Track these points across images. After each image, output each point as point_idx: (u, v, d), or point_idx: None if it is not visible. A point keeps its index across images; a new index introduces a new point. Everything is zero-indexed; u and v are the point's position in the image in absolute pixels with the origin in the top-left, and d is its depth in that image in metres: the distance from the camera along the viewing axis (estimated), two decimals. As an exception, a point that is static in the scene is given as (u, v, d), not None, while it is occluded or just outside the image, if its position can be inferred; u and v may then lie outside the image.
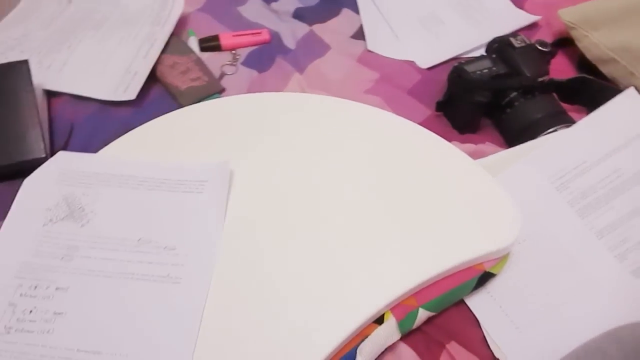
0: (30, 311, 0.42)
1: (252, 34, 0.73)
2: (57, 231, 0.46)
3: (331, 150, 0.52)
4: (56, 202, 0.48)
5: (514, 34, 0.64)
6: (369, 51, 0.72)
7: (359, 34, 0.75)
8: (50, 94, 0.64)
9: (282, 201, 0.48)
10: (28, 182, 0.49)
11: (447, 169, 0.51)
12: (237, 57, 0.71)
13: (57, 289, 0.43)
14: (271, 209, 0.48)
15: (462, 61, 0.61)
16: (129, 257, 0.45)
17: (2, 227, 0.46)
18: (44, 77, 0.64)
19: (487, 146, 0.60)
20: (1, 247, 0.45)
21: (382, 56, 0.72)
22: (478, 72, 0.61)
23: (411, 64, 0.70)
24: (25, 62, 0.60)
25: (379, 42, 0.73)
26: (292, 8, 0.78)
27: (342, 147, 0.53)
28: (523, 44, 0.61)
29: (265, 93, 0.59)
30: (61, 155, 0.51)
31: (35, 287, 0.43)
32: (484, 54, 0.65)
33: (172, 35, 0.70)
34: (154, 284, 0.43)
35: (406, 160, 0.52)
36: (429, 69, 0.70)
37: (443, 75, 0.64)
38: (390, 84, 0.68)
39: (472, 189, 0.49)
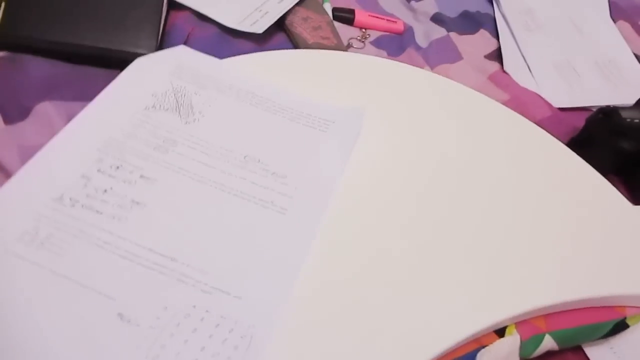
0: (105, 190, 0.35)
1: (387, 20, 0.69)
2: (157, 119, 0.40)
3: (465, 146, 0.46)
4: (164, 91, 0.42)
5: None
6: (504, 72, 0.67)
7: (494, 56, 0.70)
8: (173, 5, 0.60)
9: (406, 183, 0.41)
10: (140, 61, 0.43)
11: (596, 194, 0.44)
12: (367, 36, 0.66)
13: (142, 176, 0.36)
14: (389, 187, 0.41)
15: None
16: (231, 170, 0.38)
17: (99, 96, 0.40)
18: (173, -12, 0.60)
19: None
20: (91, 113, 0.39)
21: (514, 81, 0.66)
22: (628, 120, 0.55)
23: (543, 98, 0.65)
24: (166, -38, 0.56)
25: (514, 68, 0.68)
26: (431, 11, 0.74)
27: (478, 145, 0.46)
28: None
29: (402, 63, 0.53)
30: (183, 48, 0.46)
31: (118, 168, 0.36)
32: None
33: (309, -7, 0.66)
34: (253, 205, 0.36)
35: (552, 176, 0.45)
36: (562, 109, 0.64)
37: (575, 119, 0.59)
38: (519, 109, 0.62)
39: (624, 221, 0.42)
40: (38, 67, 0.47)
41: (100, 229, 0.33)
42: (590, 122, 0.58)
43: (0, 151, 0.39)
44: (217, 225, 0.34)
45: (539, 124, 0.61)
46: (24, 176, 0.35)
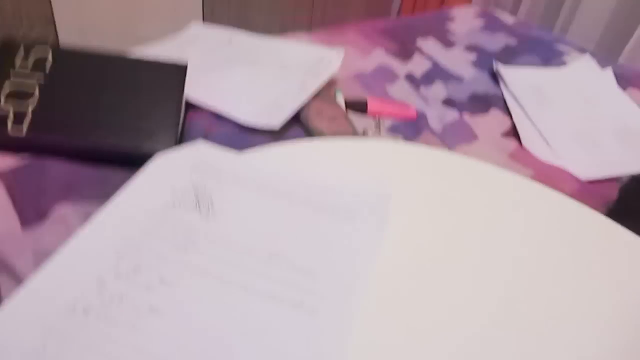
0: (121, 296, 0.33)
1: (400, 107, 0.70)
2: (177, 217, 0.39)
3: (499, 223, 0.44)
4: (184, 187, 0.41)
5: None
6: (523, 148, 0.66)
7: (510, 134, 0.70)
8: (190, 105, 0.61)
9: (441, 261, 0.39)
10: (160, 157, 0.43)
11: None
12: (382, 124, 0.67)
13: (160, 280, 0.34)
14: (425, 264, 0.38)
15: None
16: (255, 269, 0.35)
17: (118, 194, 0.40)
18: (191, 91, 0.62)
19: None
20: (110, 214, 0.38)
21: (536, 157, 0.65)
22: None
23: (568, 171, 0.63)
24: (184, 65, 0.59)
25: (533, 143, 0.68)
26: (441, 95, 0.75)
27: (513, 221, 0.44)
28: None
29: (420, 145, 0.53)
30: (202, 144, 0.46)
31: (135, 271, 0.34)
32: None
33: (322, 88, 0.67)
34: (282, 308, 0.33)
35: (597, 249, 0.42)
36: (590, 180, 0.62)
37: (605, 190, 0.58)
38: (546, 183, 0.61)
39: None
40: (58, 169, 0.47)
41: (114, 342, 0.30)
42: (625, 191, 0.56)
43: (15, 257, 0.37)
44: (243, 333, 0.31)
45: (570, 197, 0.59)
46: (35, 285, 0.33)
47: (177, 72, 0.58)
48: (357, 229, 0.39)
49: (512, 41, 0.95)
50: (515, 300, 0.38)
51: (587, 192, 0.61)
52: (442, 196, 0.46)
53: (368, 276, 0.36)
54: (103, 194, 0.45)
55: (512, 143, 0.68)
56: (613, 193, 0.61)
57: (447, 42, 0.91)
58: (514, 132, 0.70)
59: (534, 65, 0.87)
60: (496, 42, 0.94)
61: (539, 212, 0.47)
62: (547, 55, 0.91)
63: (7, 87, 0.51)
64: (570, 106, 0.78)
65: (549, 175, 0.62)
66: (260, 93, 0.64)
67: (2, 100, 0.50)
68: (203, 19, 1.59)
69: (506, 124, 0.72)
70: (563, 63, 0.89)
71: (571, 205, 0.49)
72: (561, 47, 0.94)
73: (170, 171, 0.42)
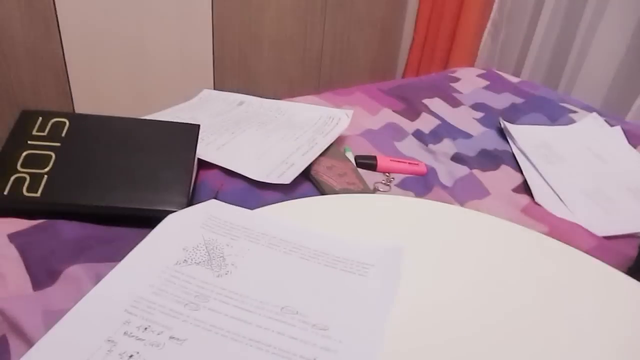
0: (131, 356, 0.32)
1: (409, 163, 0.70)
2: (188, 274, 0.38)
3: (515, 281, 0.43)
4: (196, 245, 0.41)
5: None
6: (536, 204, 0.66)
7: (521, 189, 0.70)
8: (202, 164, 0.62)
9: (453, 315, 0.37)
10: (172, 217, 0.43)
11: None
12: (392, 179, 0.67)
13: (171, 337, 0.33)
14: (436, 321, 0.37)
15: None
16: (267, 324, 0.34)
17: (130, 254, 0.39)
18: (202, 150, 0.63)
19: None
20: (121, 273, 0.38)
21: (550, 212, 0.64)
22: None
23: (584, 227, 0.62)
24: (196, 126, 0.60)
25: (546, 199, 0.67)
26: (450, 152, 0.76)
27: (528, 278, 0.43)
28: None
29: (431, 201, 0.52)
30: (213, 202, 0.46)
31: (145, 329, 0.34)
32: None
33: (331, 145, 0.69)
34: (295, 364, 0.32)
35: (620, 309, 0.40)
36: (606, 237, 0.61)
37: (624, 247, 0.56)
38: (562, 240, 0.59)
39: None
40: (71, 230, 0.47)
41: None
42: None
43: (25, 318, 0.36)
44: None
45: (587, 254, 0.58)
46: (45, 346, 0.32)
47: (189, 133, 0.60)
48: (370, 284, 0.38)
49: (517, 100, 0.96)
50: (530, 359, 0.36)
51: (604, 249, 0.59)
52: (457, 251, 0.45)
53: (382, 332, 0.35)
54: (114, 254, 0.45)
55: (524, 198, 0.67)
56: (632, 250, 0.59)
57: (453, 101, 0.93)
58: (525, 188, 0.70)
59: (541, 124, 0.88)
60: (502, 100, 0.96)
61: (557, 269, 0.46)
62: (554, 113, 0.92)
63: (24, 154, 0.53)
64: (581, 163, 0.78)
65: (565, 232, 0.61)
66: (271, 150, 0.65)
67: (19, 165, 0.51)
68: (214, 88, 1.65)
69: (517, 180, 0.72)
70: (570, 121, 0.90)
71: (589, 261, 0.48)
72: (567, 105, 0.96)
73: (182, 229, 0.42)
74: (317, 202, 0.49)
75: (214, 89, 1.65)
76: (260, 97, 0.82)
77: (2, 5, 1.22)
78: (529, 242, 0.48)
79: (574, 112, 0.93)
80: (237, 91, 0.87)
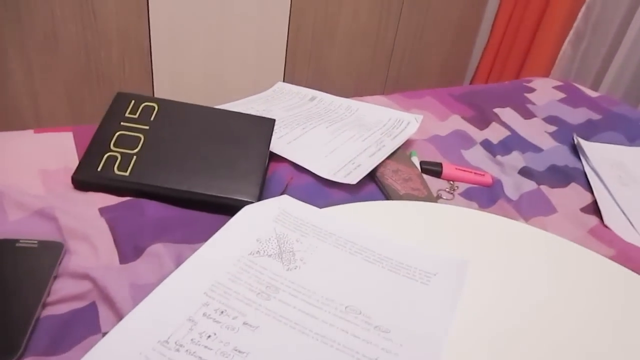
0: (209, 336, 0.35)
1: (475, 173, 0.70)
2: (261, 265, 0.41)
3: (573, 304, 0.42)
4: (268, 237, 0.44)
5: None
6: (604, 226, 0.64)
7: (590, 210, 0.68)
8: (274, 156, 0.65)
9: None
10: (248, 209, 0.46)
11: None
12: (456, 187, 0.67)
13: (244, 323, 0.36)
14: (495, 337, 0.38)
15: None
16: (332, 321, 0.37)
17: (209, 240, 0.43)
18: (274, 143, 0.66)
19: None
20: (201, 257, 0.41)
21: (619, 236, 0.63)
22: None
23: (656, 255, 0.60)
24: (271, 121, 0.63)
25: (616, 222, 0.65)
26: (518, 165, 0.75)
27: (588, 304, 0.42)
28: None
29: (497, 215, 0.52)
30: (286, 198, 0.49)
31: (222, 313, 0.37)
32: None
33: (398, 148, 0.69)
34: (358, 361, 0.34)
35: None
36: (679, 269, 0.59)
37: None
38: (629, 266, 0.57)
39: None
40: (155, 210, 0.51)
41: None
42: None
43: (114, 289, 0.41)
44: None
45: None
46: (134, 319, 0.36)
47: (265, 126, 0.62)
48: (432, 293, 0.40)
49: (594, 116, 0.93)
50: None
51: (676, 279, 0.57)
52: (519, 269, 0.45)
53: (442, 341, 0.36)
54: (193, 236, 0.49)
55: (592, 219, 0.65)
56: None
57: (526, 113, 0.91)
58: (594, 209, 0.68)
59: (618, 143, 0.85)
60: (578, 115, 0.93)
61: (624, 297, 0.45)
62: (632, 132, 0.88)
63: (117, 134, 0.57)
64: (658, 187, 0.74)
65: (632, 258, 0.59)
66: (339, 149, 0.67)
67: (112, 144, 0.56)
68: (284, 80, 1.69)
69: (586, 199, 0.70)
70: (650, 142, 0.86)
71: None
72: (647, 124, 0.92)
73: (257, 221, 0.45)
74: (384, 207, 0.50)
75: (284, 77, 1.69)
76: (328, 90, 0.84)
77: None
78: (594, 266, 0.48)
79: (656, 133, 0.89)
80: (306, 80, 0.89)
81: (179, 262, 0.44)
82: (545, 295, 0.43)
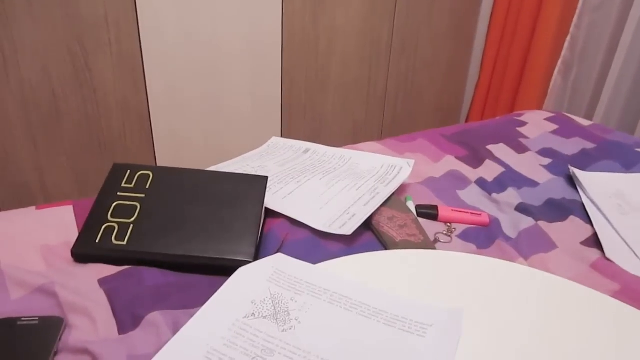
0: (204, 405, 0.35)
1: (472, 213, 0.70)
2: (256, 327, 0.41)
3: (578, 350, 0.42)
4: (263, 298, 0.44)
5: None
6: (606, 259, 0.63)
7: (591, 242, 0.67)
8: (270, 212, 0.66)
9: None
10: (242, 271, 0.47)
11: None
12: (453, 229, 0.67)
13: (239, 389, 0.36)
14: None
15: None
16: (328, 382, 0.36)
17: (204, 306, 0.43)
18: (269, 199, 0.67)
19: None
20: (196, 325, 0.41)
21: (622, 269, 0.62)
22: None
23: (662, 286, 0.59)
24: (264, 178, 0.64)
25: (618, 254, 0.64)
26: (515, 202, 0.75)
27: (593, 349, 0.42)
28: None
29: (495, 259, 0.52)
30: (279, 256, 0.49)
31: (217, 380, 0.37)
32: None
33: (392, 195, 0.70)
34: None
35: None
36: (687, 299, 0.57)
37: None
38: (634, 301, 0.56)
39: None
40: (152, 277, 0.52)
41: None
42: None
43: (111, 361, 0.41)
44: None
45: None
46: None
47: (258, 184, 0.64)
48: (429, 345, 0.39)
49: (588, 145, 0.94)
50: None
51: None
52: (518, 314, 0.45)
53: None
54: (189, 302, 0.49)
55: (593, 253, 0.65)
56: None
57: (519, 147, 0.91)
58: (595, 241, 0.67)
59: (614, 171, 0.85)
60: (572, 146, 0.93)
61: (626, 336, 0.44)
62: (628, 160, 0.88)
63: (114, 205, 0.59)
64: (659, 214, 0.74)
65: (638, 291, 0.58)
66: (333, 200, 0.68)
67: (110, 215, 0.58)
68: (281, 132, 1.72)
69: (586, 232, 0.69)
70: (646, 167, 0.86)
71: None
72: (643, 150, 0.92)
73: (251, 282, 0.46)
74: (378, 258, 0.50)
75: (282, 129, 1.72)
76: (326, 139, 0.85)
77: (98, 60, 1.37)
78: (595, 307, 0.47)
79: (652, 158, 0.89)
80: (303, 132, 0.91)
81: (175, 329, 0.44)
82: (548, 343, 0.42)
